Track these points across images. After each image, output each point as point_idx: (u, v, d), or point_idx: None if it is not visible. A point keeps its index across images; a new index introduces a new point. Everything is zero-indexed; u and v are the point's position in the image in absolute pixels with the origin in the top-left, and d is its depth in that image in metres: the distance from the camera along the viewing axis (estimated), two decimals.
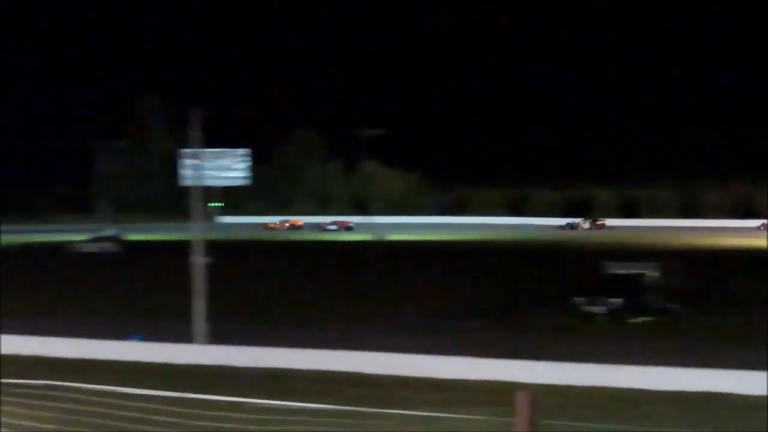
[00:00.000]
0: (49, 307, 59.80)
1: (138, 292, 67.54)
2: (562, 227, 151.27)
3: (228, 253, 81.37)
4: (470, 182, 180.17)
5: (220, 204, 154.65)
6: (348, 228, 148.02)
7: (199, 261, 45.47)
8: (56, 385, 17.81)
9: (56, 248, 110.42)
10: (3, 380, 15.32)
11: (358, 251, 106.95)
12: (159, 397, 18.61)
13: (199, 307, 44.21)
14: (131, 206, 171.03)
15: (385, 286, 69.93)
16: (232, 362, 39.30)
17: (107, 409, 18.01)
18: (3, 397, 15.54)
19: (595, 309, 52.27)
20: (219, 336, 43.58)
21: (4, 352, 37.59)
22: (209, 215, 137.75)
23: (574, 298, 53.42)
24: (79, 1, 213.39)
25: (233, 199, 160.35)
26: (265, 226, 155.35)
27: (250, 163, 51.21)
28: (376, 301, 61.27)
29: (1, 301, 62.72)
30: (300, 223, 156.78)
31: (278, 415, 19.53)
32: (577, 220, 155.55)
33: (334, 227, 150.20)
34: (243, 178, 50.31)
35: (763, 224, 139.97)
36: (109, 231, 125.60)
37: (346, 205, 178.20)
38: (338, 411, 20.09)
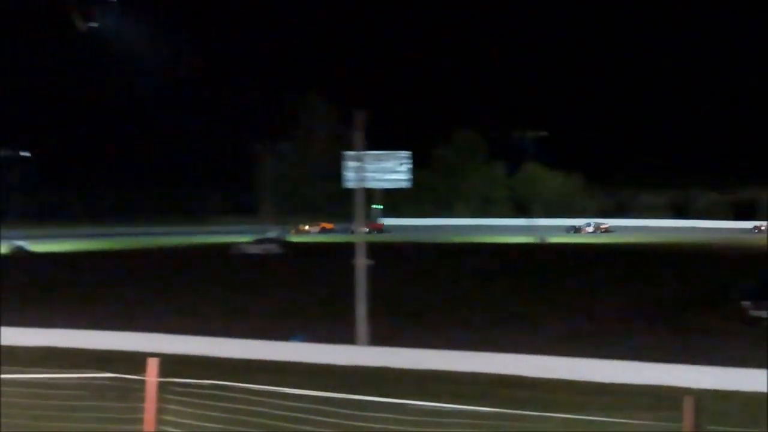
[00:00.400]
0: (213, 308, 61.01)
1: (300, 293, 68.42)
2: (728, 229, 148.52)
3: (389, 255, 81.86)
4: (633, 184, 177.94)
5: (381, 206, 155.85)
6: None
7: (361, 263, 45.74)
8: (222, 384, 18.11)
9: (222, 249, 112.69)
10: (170, 379, 15.63)
11: (521, 254, 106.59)
12: (321, 397, 18.74)
13: (362, 308, 44.49)
14: (294, 208, 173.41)
15: (545, 289, 69.55)
16: (394, 364, 39.41)
17: (271, 409, 18.23)
18: (169, 396, 15.88)
19: (762, 313, 51.14)
20: (380, 337, 43.83)
21: (174, 351, 38.37)
22: (371, 217, 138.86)
23: (741, 302, 52.37)
24: (237, 4, 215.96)
25: (394, 200, 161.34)
26: (297, 229, 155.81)
27: (411, 165, 51.29)
28: (537, 304, 60.93)
29: (167, 301, 64.43)
30: (331, 226, 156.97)
31: (438, 417, 19.53)
32: (590, 222, 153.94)
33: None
34: (404, 180, 50.39)
35: None
36: (273, 232, 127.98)
37: (508, 207, 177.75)
38: (498, 414, 19.99)
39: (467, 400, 22.67)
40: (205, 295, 67.88)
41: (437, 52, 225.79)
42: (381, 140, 55.36)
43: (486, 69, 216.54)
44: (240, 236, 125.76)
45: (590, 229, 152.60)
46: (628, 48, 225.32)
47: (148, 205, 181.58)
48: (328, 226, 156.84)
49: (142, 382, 15.38)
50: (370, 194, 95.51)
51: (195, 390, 17.36)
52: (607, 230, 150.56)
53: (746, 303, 52.05)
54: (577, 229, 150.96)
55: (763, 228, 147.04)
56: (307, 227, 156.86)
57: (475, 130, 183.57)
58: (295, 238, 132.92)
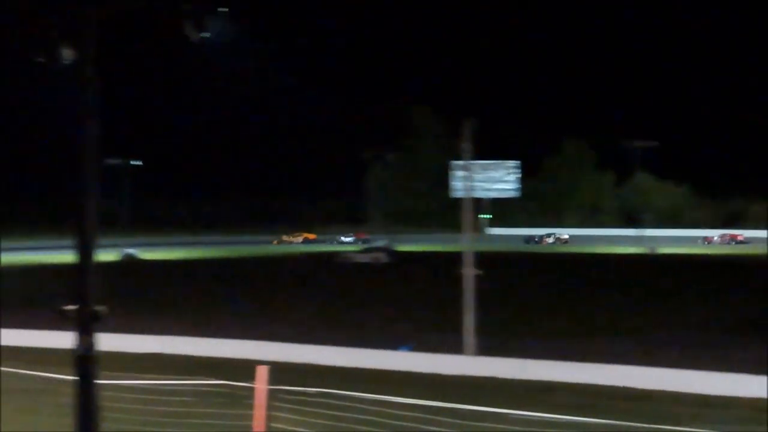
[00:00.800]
0: (320, 316, 61.33)
1: (407, 302, 68.42)
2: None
3: (496, 265, 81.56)
4: (744, 194, 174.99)
5: (489, 215, 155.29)
6: (366, 241, 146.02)
7: (469, 272, 45.60)
8: (330, 393, 18.19)
9: (329, 258, 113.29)
10: (279, 387, 15.74)
11: (629, 264, 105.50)
12: (427, 406, 18.75)
13: (469, 318, 44.36)
14: (402, 217, 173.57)
15: (653, 300, 68.70)
16: (500, 374, 39.25)
17: (377, 418, 18.26)
18: (277, 404, 15.98)
19: None
20: (487, 347, 43.64)
21: (281, 359, 38.63)
22: (479, 227, 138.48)
23: None
24: (346, 13, 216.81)
25: (502, 210, 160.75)
26: (280, 239, 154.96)
27: (519, 175, 51.08)
28: (643, 315, 60.25)
29: (274, 309, 64.92)
30: (314, 236, 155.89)
31: (541, 428, 19.42)
32: (551, 232, 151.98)
33: (349, 239, 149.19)
34: (513, 189, 50.28)
35: None
36: (381, 242, 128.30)
37: (616, 217, 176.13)
38: (605, 425, 19.82)
39: (575, 411, 22.48)
40: (311, 303, 68.24)
41: (546, 61, 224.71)
42: (489, 150, 55.21)
43: (595, 78, 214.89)
44: (349, 245, 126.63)
45: (550, 240, 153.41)
46: (739, 57, 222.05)
47: (257, 213, 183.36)
48: (311, 236, 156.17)
49: (251, 389, 15.51)
50: (478, 203, 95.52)
51: (303, 398, 17.46)
52: (566, 242, 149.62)
53: None
54: (538, 240, 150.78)
55: None
56: (290, 238, 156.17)
57: (584, 140, 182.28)
58: (400, 247, 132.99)
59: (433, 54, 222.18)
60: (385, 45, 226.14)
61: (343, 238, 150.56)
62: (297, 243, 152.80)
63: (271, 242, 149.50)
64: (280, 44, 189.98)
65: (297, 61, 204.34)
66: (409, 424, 18.39)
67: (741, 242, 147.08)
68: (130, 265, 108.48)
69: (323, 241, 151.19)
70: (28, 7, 10.97)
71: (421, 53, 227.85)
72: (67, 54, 10.50)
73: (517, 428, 19.23)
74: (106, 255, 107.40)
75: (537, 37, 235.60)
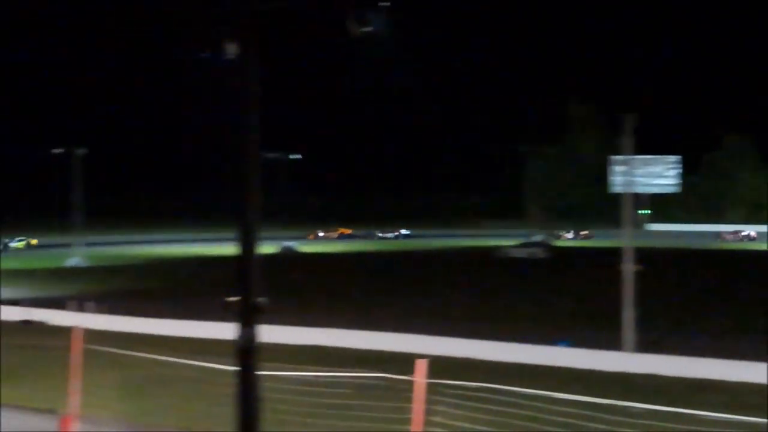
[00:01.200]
0: (476, 310, 61.28)
1: (565, 298, 67.88)
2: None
3: (656, 261, 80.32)
4: None
5: (648, 211, 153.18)
6: (406, 236, 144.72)
7: (629, 268, 45.02)
8: (489, 387, 18.12)
9: (486, 253, 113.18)
10: (438, 381, 15.76)
11: None
12: (587, 403, 18.56)
13: (629, 314, 43.80)
14: (560, 212, 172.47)
15: None
16: (660, 371, 38.60)
17: (539, 413, 18.17)
18: (436, 397, 16.00)
19: None
20: (646, 344, 43.03)
21: (437, 353, 38.66)
22: (639, 222, 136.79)
23: None
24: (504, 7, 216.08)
25: (661, 205, 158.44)
26: (314, 234, 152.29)
27: (680, 170, 50.15)
28: None
29: (432, 303, 65.06)
30: (349, 231, 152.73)
31: (708, 427, 19.07)
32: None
33: (390, 235, 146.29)
34: (673, 185, 49.37)
35: None
36: (538, 237, 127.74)
37: None
38: None
39: (738, 410, 21.99)
40: (468, 297, 68.24)
41: (709, 56, 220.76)
42: (650, 145, 54.36)
43: (759, 72, 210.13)
44: (505, 240, 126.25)
45: (570, 235, 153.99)
46: None
47: (415, 208, 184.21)
48: (346, 231, 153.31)
49: (410, 382, 15.54)
50: (637, 199, 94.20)
51: (462, 392, 17.44)
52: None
53: None
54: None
55: None
56: (322, 233, 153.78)
57: (747, 135, 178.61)
58: (558, 243, 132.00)
59: (595, 49, 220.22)
60: (546, 39, 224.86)
61: (379, 234, 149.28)
62: (333, 238, 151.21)
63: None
64: (440, 38, 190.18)
65: (455, 55, 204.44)
66: (570, 421, 18.21)
67: (407, 236, 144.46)
68: (288, 257, 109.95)
69: (360, 237, 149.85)
70: (194, 3, 11.15)
71: (583, 48, 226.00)
72: (232, 49, 10.63)
73: (683, 427, 18.91)
74: (266, 248, 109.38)
75: (699, 33, 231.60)
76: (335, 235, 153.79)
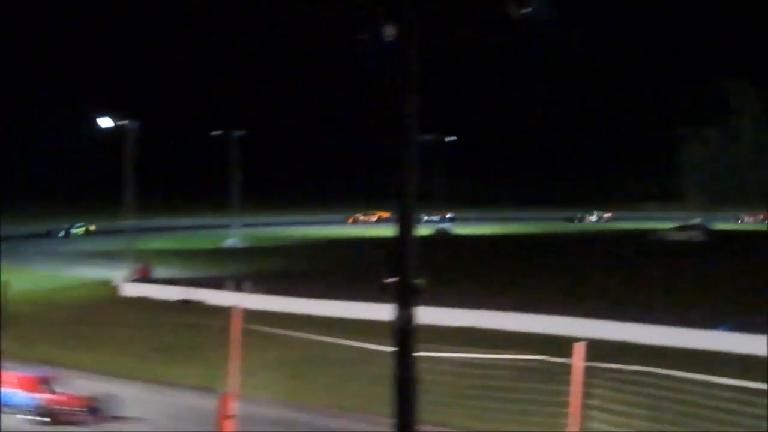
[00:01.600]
0: (633, 293, 60.53)
1: (724, 282, 66.42)
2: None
3: None
4: None
5: None
6: (452, 220, 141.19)
7: None
8: (647, 371, 17.92)
9: (641, 236, 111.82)
10: (595, 364, 15.68)
11: None
12: (747, 388, 18.21)
13: None
14: (721, 195, 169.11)
15: None
16: None
17: (698, 398, 17.94)
18: (594, 380, 15.92)
19: None
20: None
21: (593, 336, 38.38)
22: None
23: None
24: None
25: None
26: (355, 218, 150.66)
27: None
28: None
29: (587, 286, 64.46)
30: (388, 215, 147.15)
31: None
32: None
33: (434, 218, 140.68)
34: None
35: None
36: (696, 220, 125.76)
37: None
38: None
39: None
40: (624, 280, 67.44)
41: None
42: None
43: None
44: (663, 222, 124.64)
45: (593, 218, 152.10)
46: None
47: (569, 190, 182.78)
48: (385, 215, 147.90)
49: (567, 365, 15.48)
50: None
51: (619, 375, 17.29)
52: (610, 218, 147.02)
53: None
54: (581, 219, 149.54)
55: None
56: (362, 216, 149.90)
57: None
58: (719, 226, 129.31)
59: (758, 26, 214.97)
60: (703, 19, 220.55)
61: (426, 217, 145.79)
62: (371, 222, 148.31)
63: (573, 221, 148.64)
64: (601, 20, 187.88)
65: (614, 37, 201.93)
66: (729, 405, 17.94)
67: (453, 220, 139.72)
68: (443, 239, 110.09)
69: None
70: None
71: (744, 27, 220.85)
72: (390, 32, 10.68)
73: None
74: (421, 229, 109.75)
75: None
76: (374, 218, 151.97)
